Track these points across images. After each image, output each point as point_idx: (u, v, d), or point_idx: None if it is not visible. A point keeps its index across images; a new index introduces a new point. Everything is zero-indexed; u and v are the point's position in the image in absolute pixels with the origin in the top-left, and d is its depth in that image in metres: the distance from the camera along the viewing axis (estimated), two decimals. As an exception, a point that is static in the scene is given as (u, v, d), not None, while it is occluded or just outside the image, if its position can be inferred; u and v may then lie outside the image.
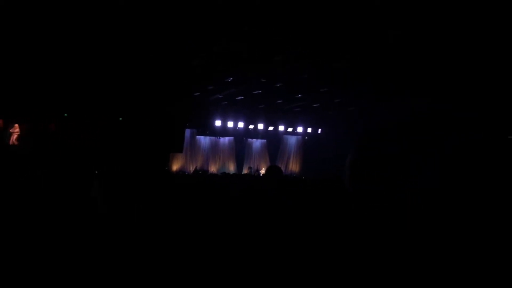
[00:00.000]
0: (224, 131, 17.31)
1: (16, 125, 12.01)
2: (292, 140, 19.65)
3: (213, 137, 18.10)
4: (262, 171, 17.28)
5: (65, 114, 12.16)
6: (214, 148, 18.29)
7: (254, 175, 15.50)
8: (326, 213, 3.44)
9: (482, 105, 8.91)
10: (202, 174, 14.06)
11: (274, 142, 19.35)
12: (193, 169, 16.62)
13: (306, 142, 19.39)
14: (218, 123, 16.29)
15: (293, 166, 19.46)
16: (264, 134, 18.49)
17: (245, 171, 18.24)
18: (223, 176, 9.74)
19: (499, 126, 8.37)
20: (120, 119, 13.29)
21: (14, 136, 12.02)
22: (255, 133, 18.35)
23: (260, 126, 17.32)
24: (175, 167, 16.76)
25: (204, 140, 18.07)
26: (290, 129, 18.10)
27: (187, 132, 16.97)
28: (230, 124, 16.53)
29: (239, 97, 14.17)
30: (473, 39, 7.23)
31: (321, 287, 2.66)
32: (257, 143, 19.28)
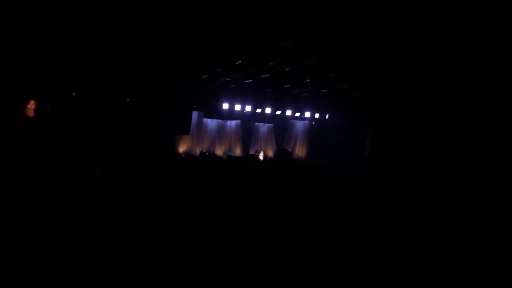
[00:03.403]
0: (231, 114, 17.28)
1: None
2: (299, 125, 19.60)
3: (220, 120, 18.09)
4: (261, 156, 17.33)
5: (73, 93, 12.19)
6: (221, 131, 18.29)
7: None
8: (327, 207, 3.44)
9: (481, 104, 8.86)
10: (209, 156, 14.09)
11: (281, 127, 19.32)
12: (200, 152, 16.68)
13: (313, 128, 19.36)
14: (225, 106, 16.25)
15: (300, 151, 19.47)
16: (271, 118, 18.43)
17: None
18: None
19: (498, 126, 8.31)
20: (128, 99, 13.31)
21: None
22: (262, 117, 18.29)
23: (268, 110, 17.25)
24: (181, 149, 16.82)
25: (211, 123, 18.07)
26: (297, 114, 18.02)
27: (194, 114, 16.98)
28: (237, 107, 16.47)
29: (247, 81, 14.08)
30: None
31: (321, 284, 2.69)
32: (264, 127, 19.26)
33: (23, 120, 10.93)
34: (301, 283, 2.73)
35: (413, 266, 2.81)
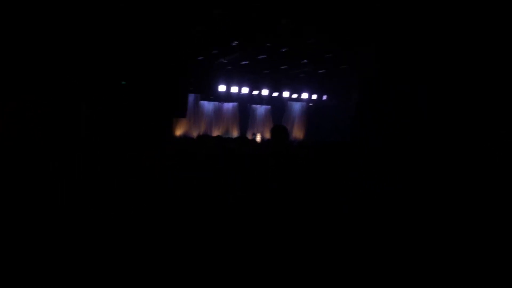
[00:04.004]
0: (228, 97, 17.17)
1: None
2: (297, 106, 19.52)
3: (216, 103, 17.98)
4: (258, 138, 17.29)
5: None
6: (218, 114, 18.20)
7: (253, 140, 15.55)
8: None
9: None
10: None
11: (279, 108, 19.24)
12: (197, 135, 16.62)
13: (311, 109, 19.30)
14: (222, 88, 16.13)
15: (297, 133, 19.43)
16: (269, 100, 18.34)
17: (248, 137, 18.24)
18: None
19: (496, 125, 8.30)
20: (123, 83, 13.14)
21: None
22: (259, 99, 18.19)
23: (265, 92, 17.14)
24: (178, 132, 16.74)
25: (207, 105, 17.96)
26: (294, 96, 17.93)
27: (191, 97, 16.85)
28: (234, 89, 16.36)
29: (244, 62, 13.94)
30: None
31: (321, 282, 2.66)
32: (261, 109, 19.17)
33: (23, 120, 10.78)
34: (300, 283, 2.72)
35: (413, 265, 2.81)
